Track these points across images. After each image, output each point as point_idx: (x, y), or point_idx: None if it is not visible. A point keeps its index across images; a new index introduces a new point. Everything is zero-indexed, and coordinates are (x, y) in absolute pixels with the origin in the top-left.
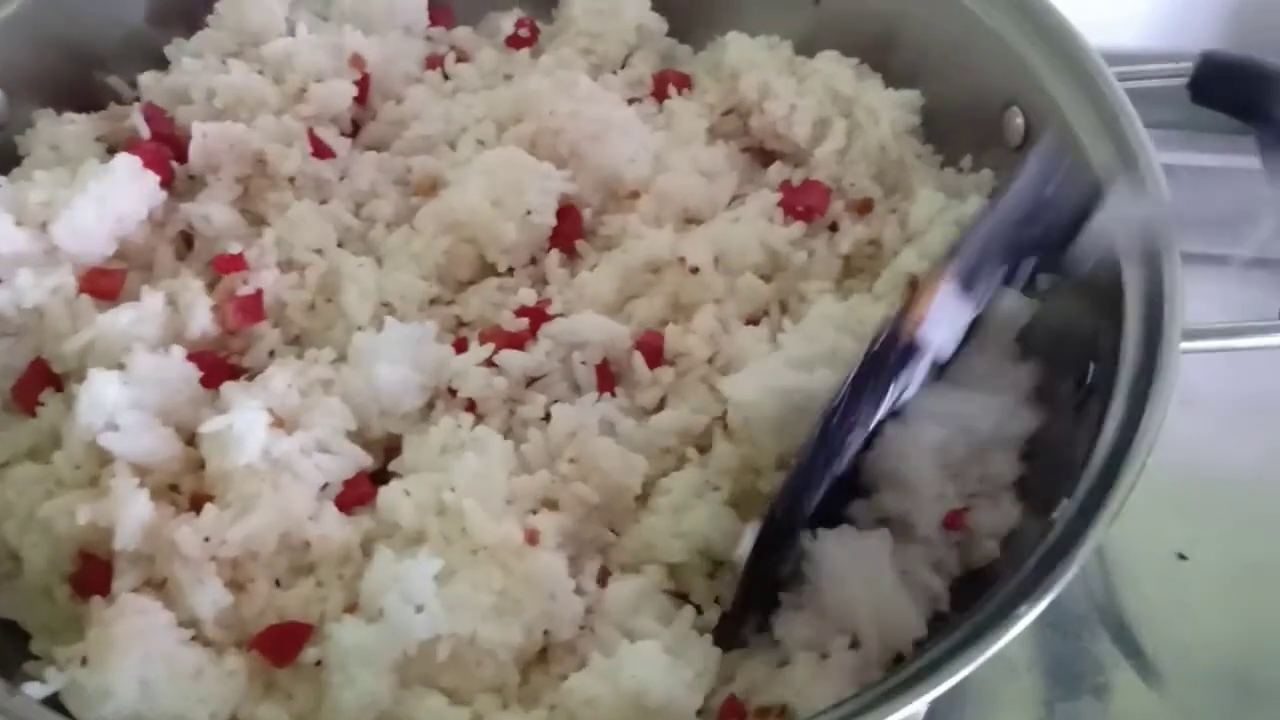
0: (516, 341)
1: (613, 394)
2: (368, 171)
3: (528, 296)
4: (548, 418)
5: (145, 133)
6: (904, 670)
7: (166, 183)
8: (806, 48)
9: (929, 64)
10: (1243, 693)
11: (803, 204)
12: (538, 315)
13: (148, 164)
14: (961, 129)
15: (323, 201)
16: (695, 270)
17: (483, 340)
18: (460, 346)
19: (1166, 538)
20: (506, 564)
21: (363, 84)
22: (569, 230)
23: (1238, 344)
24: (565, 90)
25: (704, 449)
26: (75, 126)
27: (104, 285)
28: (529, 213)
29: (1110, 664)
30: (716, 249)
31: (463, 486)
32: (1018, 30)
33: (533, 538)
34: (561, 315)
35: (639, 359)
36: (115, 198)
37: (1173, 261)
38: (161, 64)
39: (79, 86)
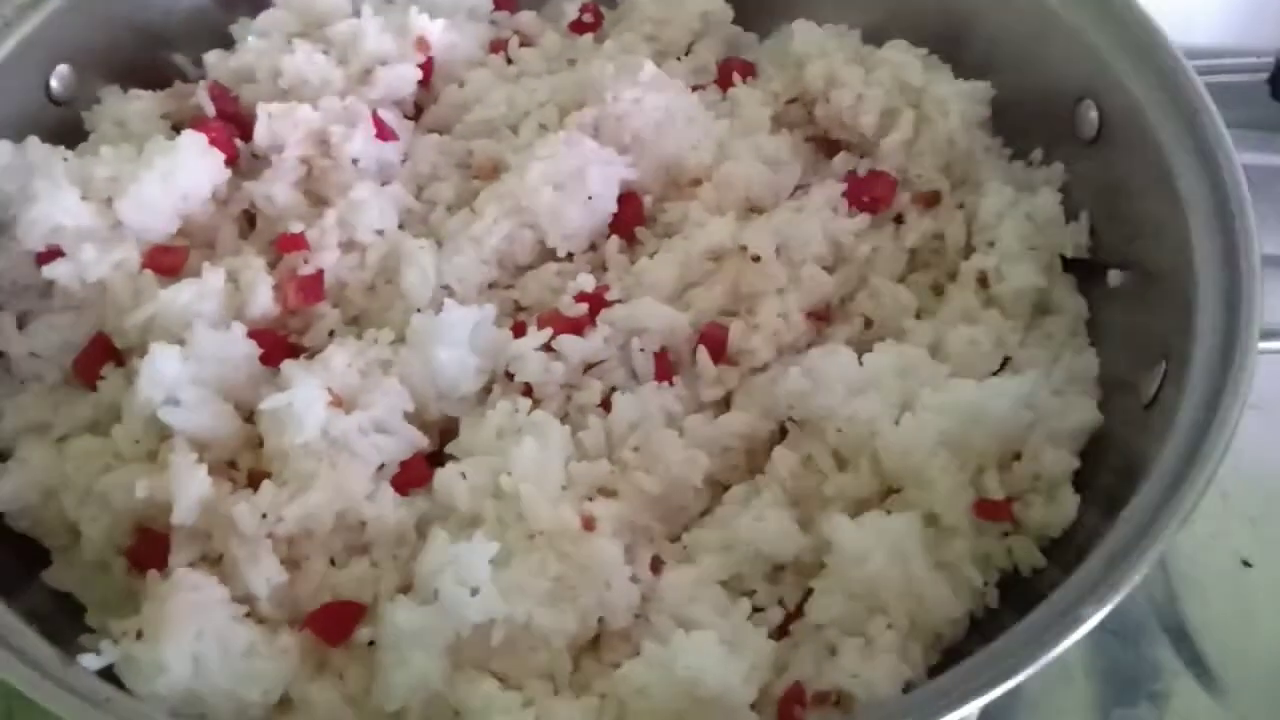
0: (575, 327)
1: (670, 383)
2: (429, 154)
3: (586, 282)
4: (604, 405)
5: (210, 111)
6: (958, 668)
7: (231, 161)
8: (875, 37)
9: (1001, 55)
10: None
11: (868, 195)
12: (597, 301)
13: (213, 142)
14: (1033, 122)
15: (384, 183)
16: (757, 259)
17: (541, 325)
18: (519, 330)
19: (1231, 544)
20: (563, 550)
21: (427, 67)
22: (630, 217)
23: None
24: (629, 76)
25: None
26: (141, 103)
27: (167, 262)
28: (590, 198)
29: (1169, 671)
30: (779, 238)
31: (520, 471)
32: (1094, 23)
33: (590, 524)
34: (620, 302)
35: (703, 353)
36: (181, 175)
37: (1251, 258)
38: (227, 43)
39: (145, 64)
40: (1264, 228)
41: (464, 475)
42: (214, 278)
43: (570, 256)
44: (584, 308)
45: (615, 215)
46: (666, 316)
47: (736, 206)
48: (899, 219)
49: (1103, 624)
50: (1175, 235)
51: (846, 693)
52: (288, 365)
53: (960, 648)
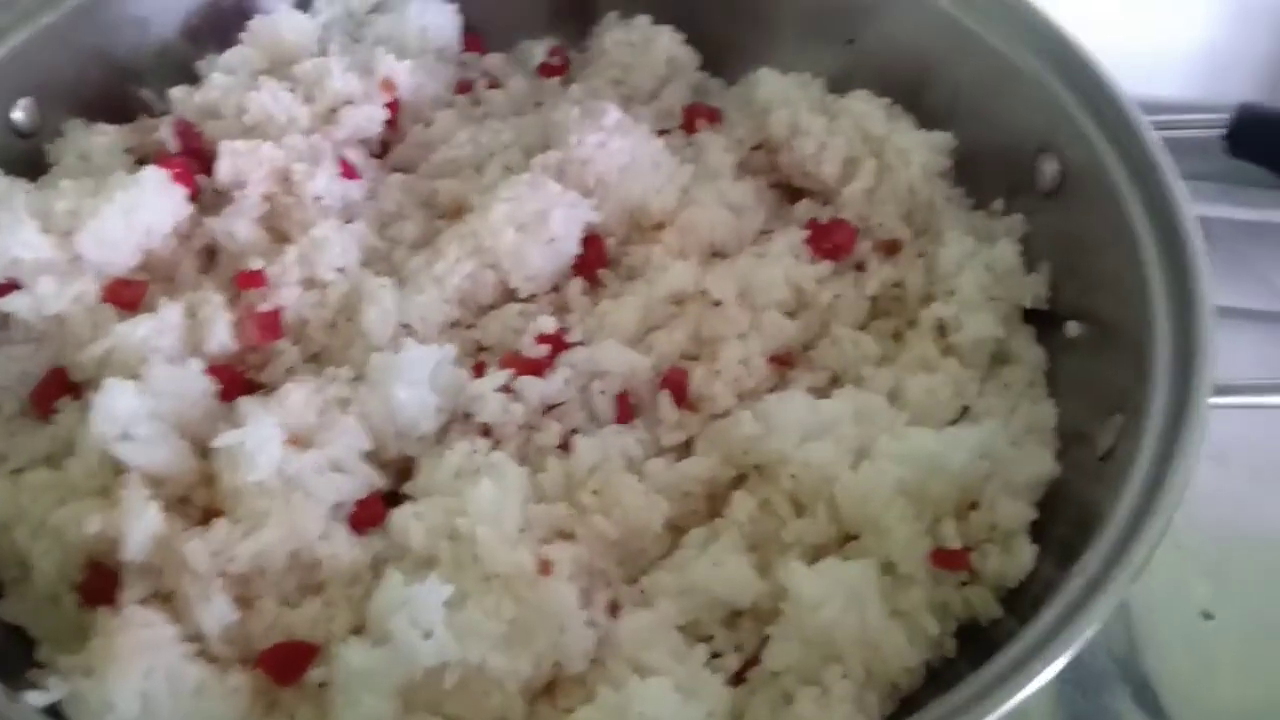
0: (535, 368)
1: (631, 425)
2: (394, 193)
3: (547, 324)
4: (563, 446)
5: (174, 146)
6: (914, 718)
7: (194, 197)
8: (839, 86)
9: (962, 106)
10: None
11: (830, 242)
12: (558, 343)
13: (176, 178)
14: (994, 172)
15: (348, 221)
16: (718, 304)
17: (502, 366)
18: (479, 370)
19: (1192, 596)
20: (518, 593)
21: (393, 107)
22: (593, 259)
23: (1268, 401)
24: (593, 120)
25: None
26: (105, 137)
27: (126, 295)
28: (553, 240)
29: None
30: (741, 284)
31: (476, 512)
32: (1054, 76)
33: (546, 568)
34: (581, 344)
35: (664, 397)
36: (142, 210)
37: (1204, 314)
38: (193, 79)
39: (110, 98)
40: (1223, 280)
41: (419, 516)
42: (171, 313)
43: (532, 298)
44: (545, 349)
45: (578, 257)
46: (628, 359)
47: (699, 251)
48: (860, 266)
49: (1063, 675)
50: (1131, 288)
51: None
52: (244, 402)
53: (917, 697)
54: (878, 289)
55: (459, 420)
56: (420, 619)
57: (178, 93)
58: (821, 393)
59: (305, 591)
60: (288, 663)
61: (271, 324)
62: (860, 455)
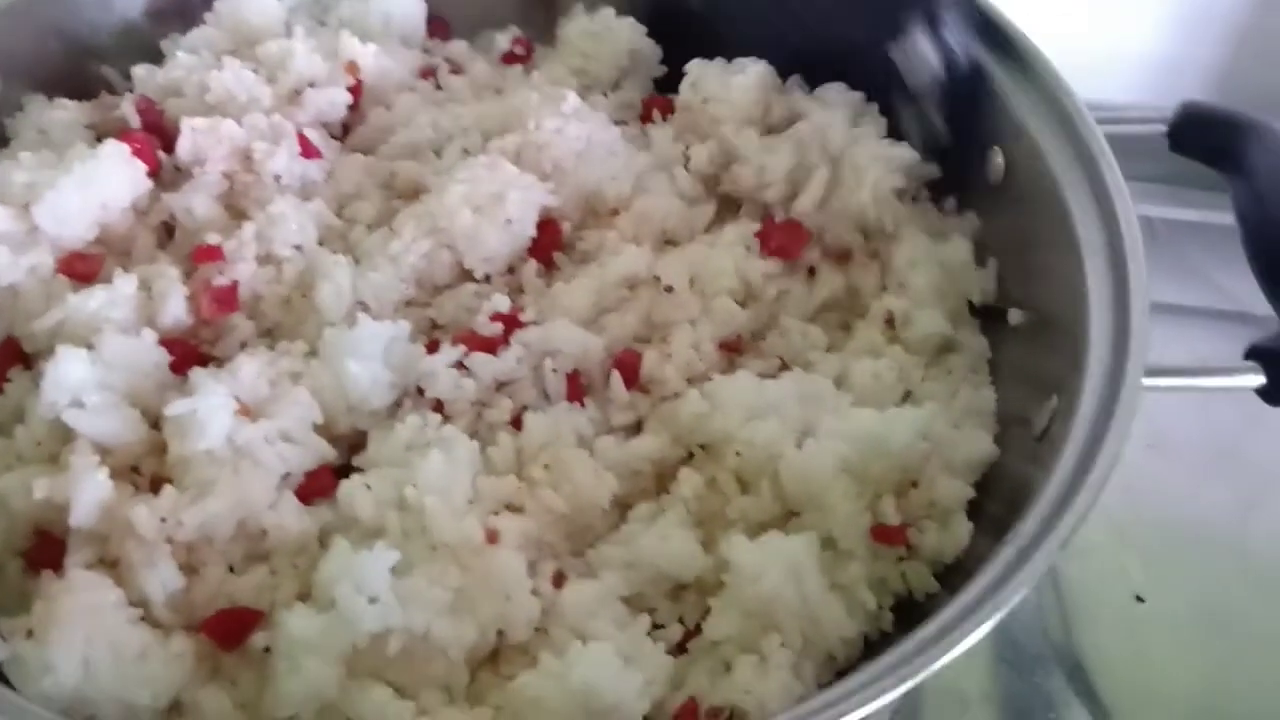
0: (488, 346)
1: (582, 404)
2: (353, 174)
3: (502, 303)
4: (514, 423)
5: (135, 122)
6: (846, 680)
7: (154, 173)
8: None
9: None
10: None
11: (775, 242)
12: (511, 322)
13: (136, 153)
14: (948, 167)
15: (306, 200)
16: (669, 289)
17: (455, 343)
18: (433, 348)
19: (1126, 580)
20: (465, 562)
21: (356, 90)
22: (548, 242)
23: (1199, 383)
24: (552, 106)
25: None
26: (65, 113)
27: (82, 268)
28: (509, 221)
29: (1062, 703)
30: (692, 271)
31: (425, 483)
32: (1004, 71)
33: (493, 537)
34: (535, 323)
35: (616, 378)
36: (100, 183)
37: (1139, 299)
38: (157, 58)
39: (73, 75)
40: (1165, 277)
41: (368, 486)
42: (125, 284)
43: (488, 278)
44: (498, 327)
45: (534, 240)
46: (580, 339)
47: (652, 238)
48: (811, 271)
49: (999, 655)
50: (1071, 277)
51: (739, 708)
52: (196, 373)
53: (854, 668)
54: (828, 295)
55: (411, 395)
56: (365, 585)
57: (140, 71)
58: (770, 377)
59: (251, 560)
60: (231, 628)
61: (227, 298)
62: (805, 434)
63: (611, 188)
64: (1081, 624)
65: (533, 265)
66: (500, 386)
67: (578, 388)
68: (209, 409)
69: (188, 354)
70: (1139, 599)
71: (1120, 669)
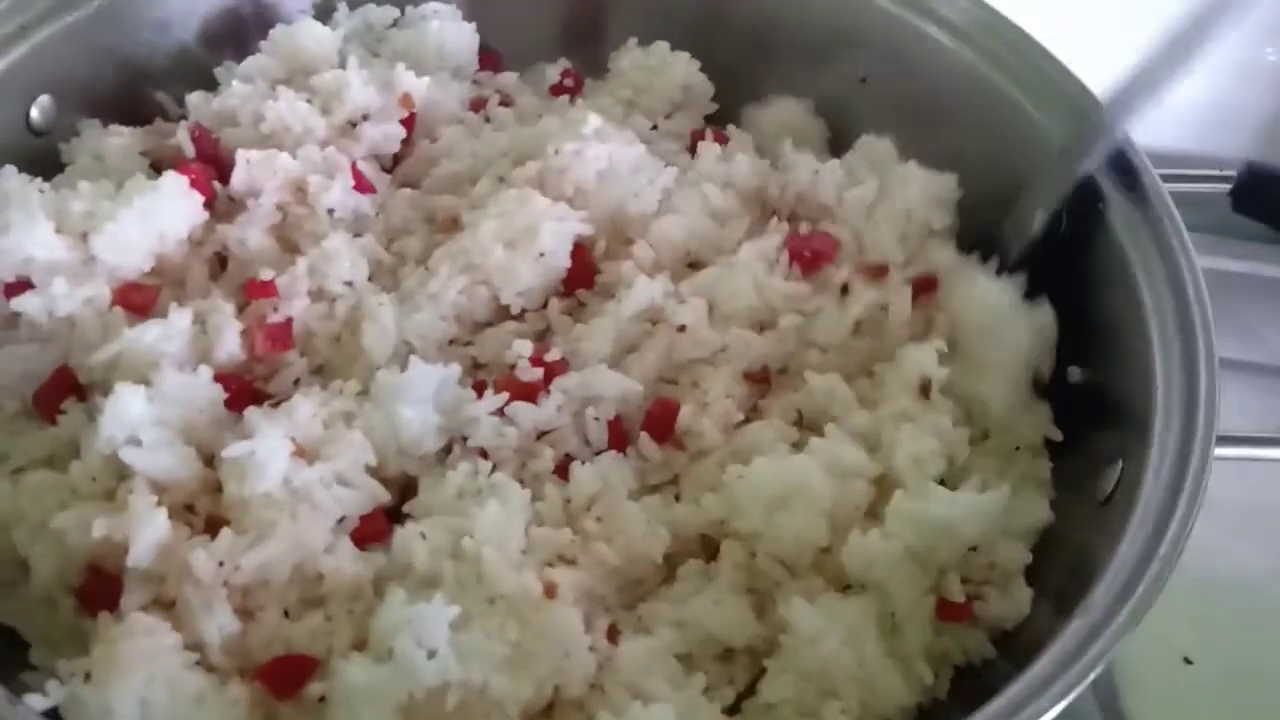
0: (529, 393)
1: (624, 452)
2: (401, 208)
3: (524, 348)
4: (559, 471)
5: (190, 152)
6: None
7: (209, 203)
8: (848, 123)
9: (969, 153)
10: None
11: (809, 249)
12: (552, 366)
13: (193, 184)
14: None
15: (358, 234)
16: (682, 329)
17: (497, 389)
18: (480, 389)
19: (1173, 641)
20: (523, 615)
21: (409, 123)
22: (580, 271)
23: (1270, 454)
24: (573, 129)
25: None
26: (120, 139)
27: (138, 300)
28: (542, 255)
29: None
30: (708, 296)
31: (482, 534)
32: (1064, 124)
33: (550, 591)
34: (565, 363)
35: (645, 438)
36: (159, 215)
37: (1210, 362)
38: (211, 85)
39: (127, 100)
40: (1219, 333)
41: (423, 535)
42: (180, 319)
43: (523, 313)
44: (538, 373)
45: (569, 270)
46: (620, 385)
47: (675, 262)
48: (845, 290)
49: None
50: (1135, 336)
51: None
52: (252, 413)
53: None
54: (862, 313)
55: (458, 441)
56: (424, 638)
57: (194, 98)
58: (802, 421)
59: (307, 605)
60: (287, 676)
61: (282, 335)
62: (835, 507)
63: (635, 205)
64: (1129, 686)
65: (556, 305)
66: (541, 435)
67: (620, 435)
68: (267, 450)
69: (243, 390)
70: (1187, 660)
71: None
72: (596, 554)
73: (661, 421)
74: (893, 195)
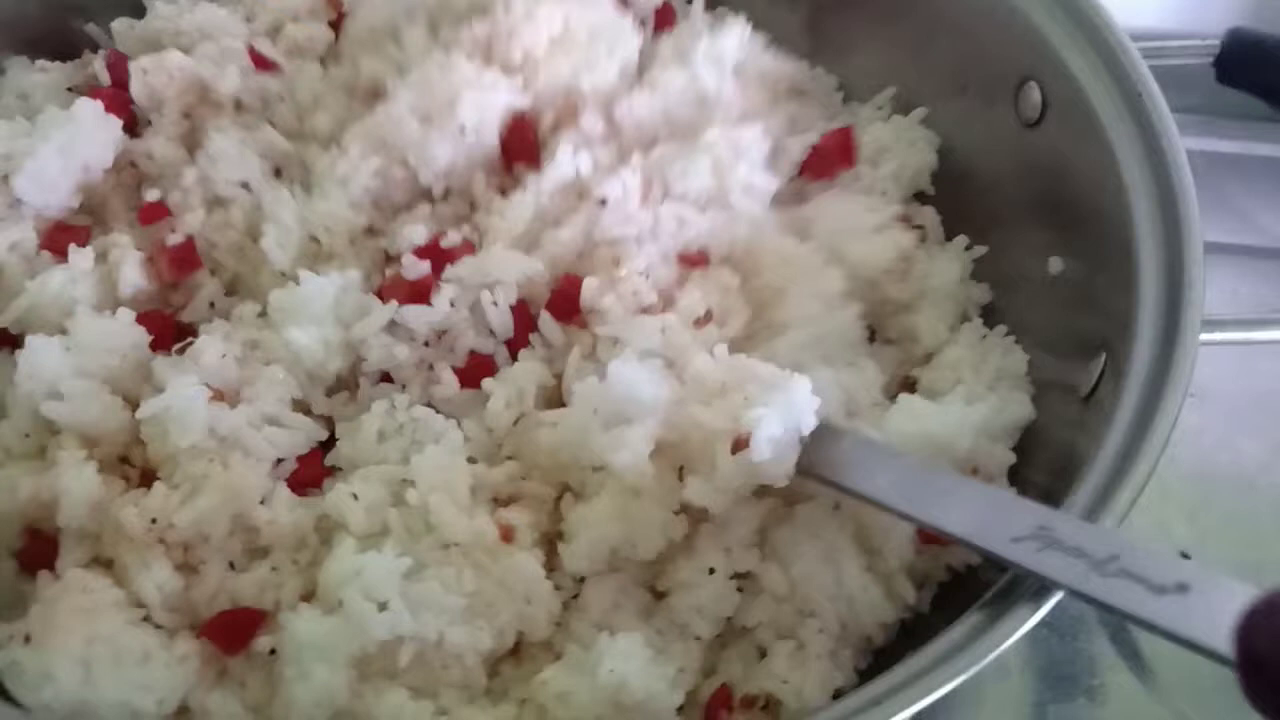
0: (420, 292)
1: (527, 341)
2: (310, 82)
3: (418, 234)
4: (465, 377)
5: (105, 79)
6: (889, 674)
7: (128, 127)
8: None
9: (942, 33)
10: (1241, 698)
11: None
12: (439, 255)
13: (108, 108)
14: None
15: (271, 122)
16: (603, 203)
17: (384, 296)
18: (387, 293)
19: (1169, 536)
20: (479, 563)
21: (337, 24)
22: (519, 148)
23: (1257, 336)
24: None
25: None
26: (46, 75)
27: (65, 241)
28: (463, 129)
29: (1106, 666)
30: (657, 176)
31: (425, 482)
32: (1038, 3)
33: (507, 534)
34: (467, 253)
35: (547, 319)
36: (79, 145)
37: (1194, 248)
38: (141, 12)
39: (56, 35)
40: (1204, 215)
41: (355, 496)
42: (82, 259)
43: (447, 195)
44: (425, 267)
45: (504, 146)
46: (519, 266)
47: (642, 148)
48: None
49: (1040, 620)
50: (1117, 221)
51: (775, 697)
52: (159, 364)
53: (890, 649)
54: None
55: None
56: (374, 590)
57: (119, 25)
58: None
59: (252, 555)
60: (233, 630)
61: (185, 256)
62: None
63: (587, 78)
64: None
65: (482, 179)
66: (441, 336)
67: (526, 320)
68: (184, 402)
69: (165, 328)
70: (1184, 555)
71: None
72: (532, 491)
73: (565, 297)
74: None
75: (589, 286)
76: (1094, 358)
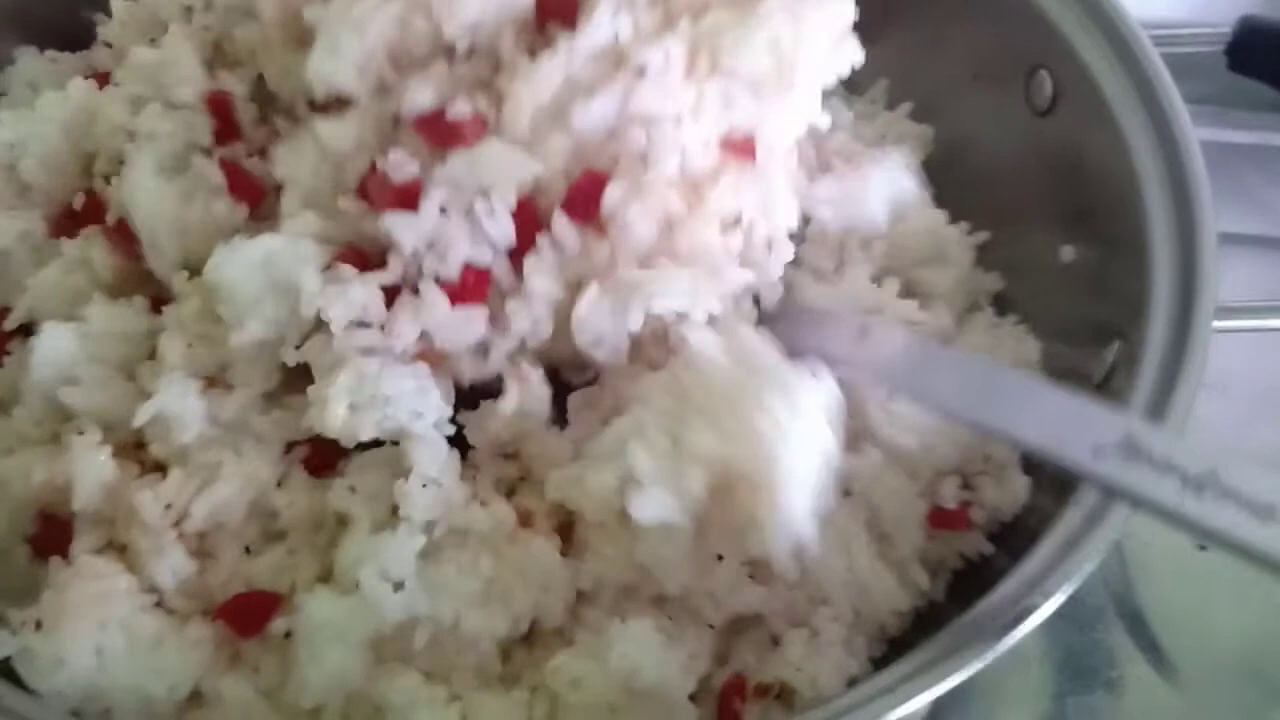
0: (407, 198)
1: (533, 243)
2: None
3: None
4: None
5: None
6: (902, 662)
7: None
8: None
9: (953, 21)
10: (1260, 688)
11: None
12: (442, 133)
13: (102, 86)
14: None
15: None
16: (641, 72)
17: (371, 201)
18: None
19: None
20: (498, 549)
21: None
22: (553, 5)
23: (1273, 324)
24: None
25: None
26: (55, 65)
27: (74, 229)
28: None
29: (1125, 658)
30: (706, 47)
31: (420, 472)
32: None
33: (526, 520)
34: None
35: (562, 221)
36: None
37: (1207, 235)
38: None
39: (64, 24)
40: (1220, 204)
41: (353, 489)
42: (74, 249)
43: (472, 53)
44: (413, 170)
45: (538, 1)
46: (517, 166)
47: (689, 10)
48: None
49: (1058, 611)
50: (1130, 209)
51: (789, 685)
52: (140, 369)
53: (904, 638)
54: None
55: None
56: (390, 570)
57: (119, 7)
58: None
59: (268, 539)
60: (248, 613)
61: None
62: None
63: None
64: (1143, 576)
65: (510, 38)
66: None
67: (531, 222)
68: (174, 401)
69: None
70: (1201, 547)
71: (1184, 621)
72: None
73: (586, 196)
74: None
75: (612, 191)
76: (1107, 346)
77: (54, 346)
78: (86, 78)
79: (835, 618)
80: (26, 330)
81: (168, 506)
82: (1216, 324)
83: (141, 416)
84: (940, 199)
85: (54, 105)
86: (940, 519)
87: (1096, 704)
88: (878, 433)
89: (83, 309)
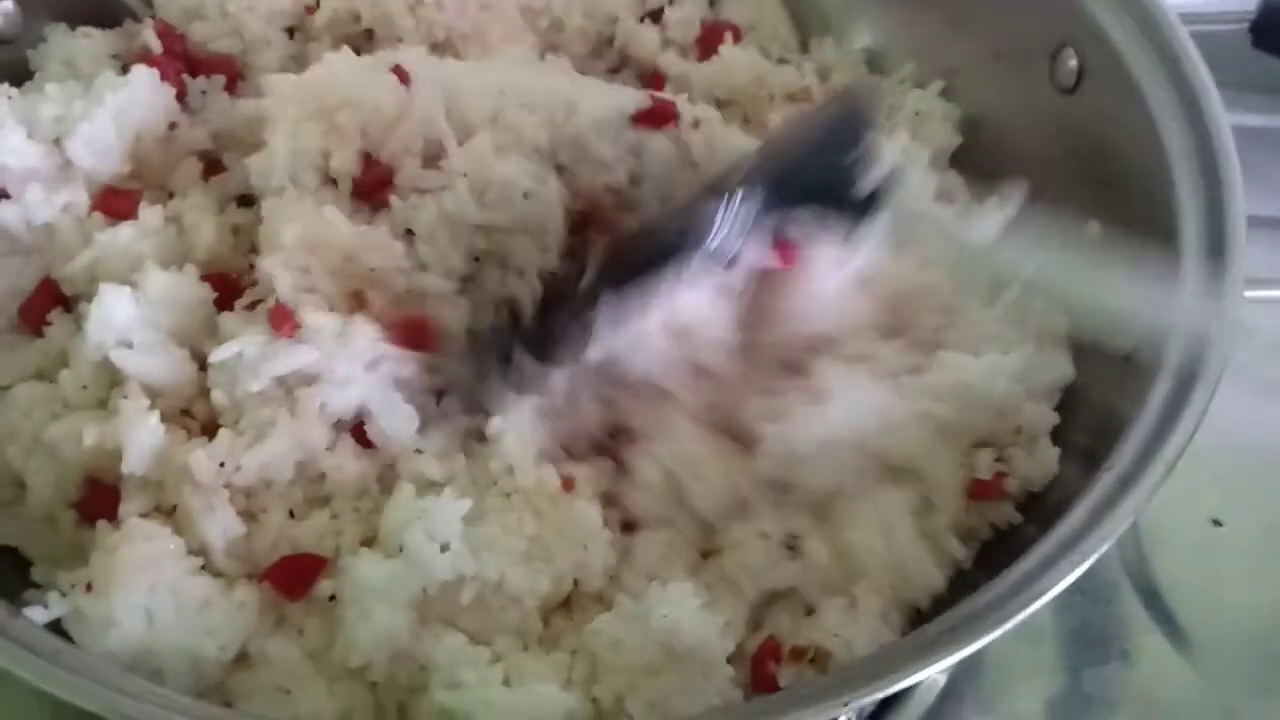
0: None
1: None
2: None
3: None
4: None
5: (158, 48)
6: (925, 629)
7: (180, 98)
8: None
9: (980, 2)
10: (1272, 660)
11: None
12: None
13: (162, 78)
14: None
15: None
16: None
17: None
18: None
19: (1202, 503)
20: (540, 509)
21: None
22: None
23: None
24: None
25: None
26: (90, 42)
27: (118, 205)
28: None
29: (1139, 630)
30: None
31: (500, 424)
32: None
33: (569, 485)
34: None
35: None
36: (133, 111)
37: (1235, 208)
38: None
39: (93, 2)
40: (1245, 190)
41: (419, 450)
42: (152, 216)
43: None
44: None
45: None
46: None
47: None
48: None
49: (1074, 583)
50: (1157, 184)
51: (824, 650)
52: (224, 319)
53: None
54: None
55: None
56: (436, 532)
57: None
58: None
59: (312, 504)
60: (295, 575)
61: None
62: None
63: None
64: (1158, 549)
65: None
66: None
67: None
68: (254, 348)
69: (230, 289)
70: (1216, 523)
71: (1198, 594)
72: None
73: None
74: None
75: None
76: None
77: (112, 308)
78: (115, 56)
79: (874, 589)
80: (65, 304)
81: (221, 465)
82: (1248, 294)
83: (219, 355)
84: (965, 177)
85: (111, 90)
86: (979, 489)
87: (1111, 675)
88: None
89: (136, 275)
